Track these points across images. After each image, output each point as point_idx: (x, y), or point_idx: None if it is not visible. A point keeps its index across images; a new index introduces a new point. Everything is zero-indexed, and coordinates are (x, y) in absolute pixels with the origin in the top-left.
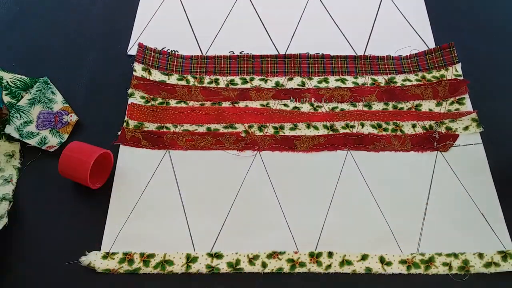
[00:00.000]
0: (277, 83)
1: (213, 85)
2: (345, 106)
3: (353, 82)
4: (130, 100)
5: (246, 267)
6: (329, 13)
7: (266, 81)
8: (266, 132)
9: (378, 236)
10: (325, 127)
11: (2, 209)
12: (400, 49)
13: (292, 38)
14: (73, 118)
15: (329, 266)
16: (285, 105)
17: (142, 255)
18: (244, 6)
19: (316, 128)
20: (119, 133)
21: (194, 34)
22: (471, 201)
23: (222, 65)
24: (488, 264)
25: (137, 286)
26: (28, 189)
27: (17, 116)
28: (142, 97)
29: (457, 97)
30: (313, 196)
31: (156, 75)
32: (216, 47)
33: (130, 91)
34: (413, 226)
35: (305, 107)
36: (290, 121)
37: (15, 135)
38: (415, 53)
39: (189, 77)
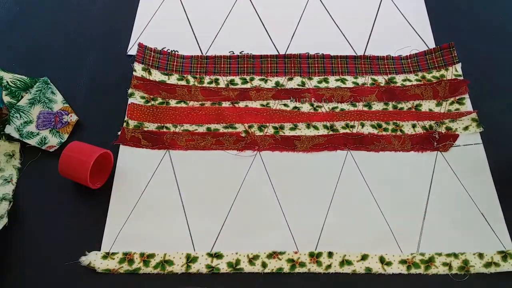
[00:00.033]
0: (277, 83)
1: (213, 85)
2: (345, 106)
3: (353, 82)
4: (130, 100)
5: (246, 267)
6: (329, 13)
7: (266, 81)
8: (266, 132)
9: (378, 236)
10: (325, 127)
11: (2, 209)
12: (400, 49)
13: (292, 38)
14: (73, 118)
15: (329, 266)
16: (285, 105)
17: (142, 255)
18: (244, 6)
19: (316, 128)
20: (119, 133)
21: (194, 34)
22: (471, 201)
23: (222, 65)
24: (488, 264)
25: (137, 286)
26: (28, 189)
27: (17, 116)
28: (142, 97)
29: (457, 97)
30: (313, 196)
31: (156, 75)
32: (216, 47)
33: (130, 91)
34: (413, 226)
35: (305, 107)
36: (290, 121)
37: (15, 135)
38: (415, 53)
39: (189, 77)
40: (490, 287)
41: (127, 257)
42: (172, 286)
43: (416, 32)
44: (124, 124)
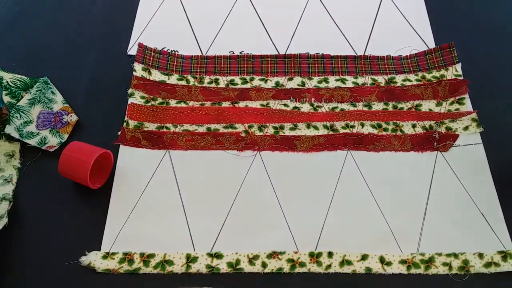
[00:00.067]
0: (277, 83)
1: (213, 85)
2: (345, 106)
3: (353, 82)
4: (130, 100)
5: (246, 267)
6: (329, 13)
7: (266, 81)
8: (266, 132)
9: (378, 236)
10: (325, 127)
11: (2, 209)
12: (400, 49)
13: (292, 38)
14: (73, 118)
15: (329, 266)
16: (285, 105)
17: (142, 255)
18: (244, 6)
19: (316, 128)
20: (119, 133)
21: (194, 34)
22: (471, 201)
23: (222, 65)
24: (488, 264)
25: (137, 286)
26: (28, 189)
27: (17, 116)
28: (142, 97)
29: (457, 97)
30: (313, 196)
31: (156, 75)
32: (216, 47)
33: (130, 91)
34: (413, 226)
35: (305, 107)
36: (290, 121)
37: (15, 135)
38: (415, 53)
39: (189, 77)
40: (490, 287)
41: (127, 257)
42: (172, 286)
43: (416, 32)
44: (124, 124)
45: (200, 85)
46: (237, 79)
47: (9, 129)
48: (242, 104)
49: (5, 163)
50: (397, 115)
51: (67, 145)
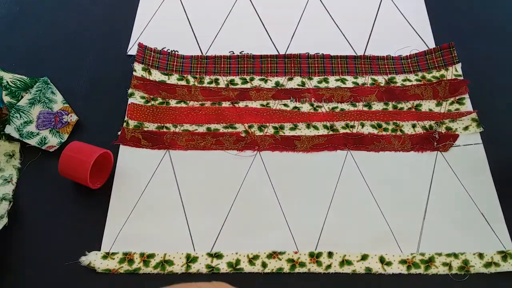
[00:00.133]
0: (277, 83)
1: (213, 85)
2: (345, 106)
3: (353, 82)
4: (130, 100)
5: (246, 267)
6: (329, 13)
7: (266, 81)
8: (266, 132)
9: (378, 236)
10: (325, 127)
11: (2, 209)
12: (400, 49)
13: (292, 38)
14: (73, 118)
15: (329, 266)
16: (285, 105)
17: (142, 255)
18: (244, 6)
19: (316, 128)
20: (119, 133)
21: (194, 34)
22: (471, 201)
23: (222, 65)
24: (488, 264)
25: (137, 286)
26: (28, 189)
27: (17, 116)
28: (142, 97)
29: (457, 97)
30: (313, 196)
31: (156, 75)
32: (216, 47)
33: (130, 91)
34: (413, 226)
35: (305, 107)
36: (290, 121)
37: (15, 135)
38: (415, 53)
39: (189, 77)
40: (490, 287)
41: (127, 257)
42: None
43: (416, 32)
44: (124, 124)
45: (200, 85)
46: (237, 79)
47: (9, 129)
48: (242, 104)
49: (5, 163)
50: (397, 115)
51: (67, 145)
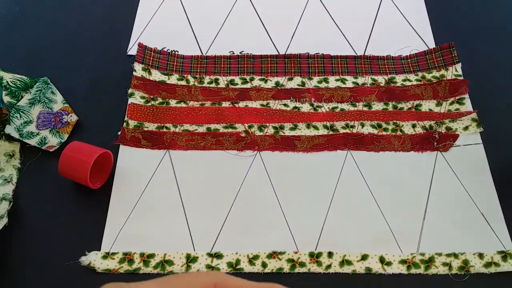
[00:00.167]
0: (277, 83)
1: (213, 85)
2: (345, 106)
3: (353, 82)
4: (130, 100)
5: (246, 267)
6: (329, 13)
7: (266, 81)
8: (266, 132)
9: (378, 236)
10: (325, 127)
11: (2, 209)
12: (400, 49)
13: (292, 38)
14: (73, 118)
15: (329, 266)
16: (285, 105)
17: (142, 255)
18: (244, 6)
19: (316, 128)
20: (119, 133)
21: (194, 34)
22: (471, 201)
23: (222, 65)
24: (488, 264)
25: None
26: (28, 189)
27: (17, 116)
28: (142, 97)
29: (457, 97)
30: (313, 196)
31: (156, 75)
32: (216, 47)
33: (130, 91)
34: (413, 226)
35: (305, 107)
36: (290, 121)
37: (15, 135)
38: (415, 53)
39: (189, 77)
40: (490, 287)
41: (127, 257)
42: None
43: (416, 32)
44: (124, 124)
45: (200, 85)
46: (237, 79)
47: (9, 129)
48: (242, 104)
49: (5, 163)
50: (397, 115)
51: (67, 145)
